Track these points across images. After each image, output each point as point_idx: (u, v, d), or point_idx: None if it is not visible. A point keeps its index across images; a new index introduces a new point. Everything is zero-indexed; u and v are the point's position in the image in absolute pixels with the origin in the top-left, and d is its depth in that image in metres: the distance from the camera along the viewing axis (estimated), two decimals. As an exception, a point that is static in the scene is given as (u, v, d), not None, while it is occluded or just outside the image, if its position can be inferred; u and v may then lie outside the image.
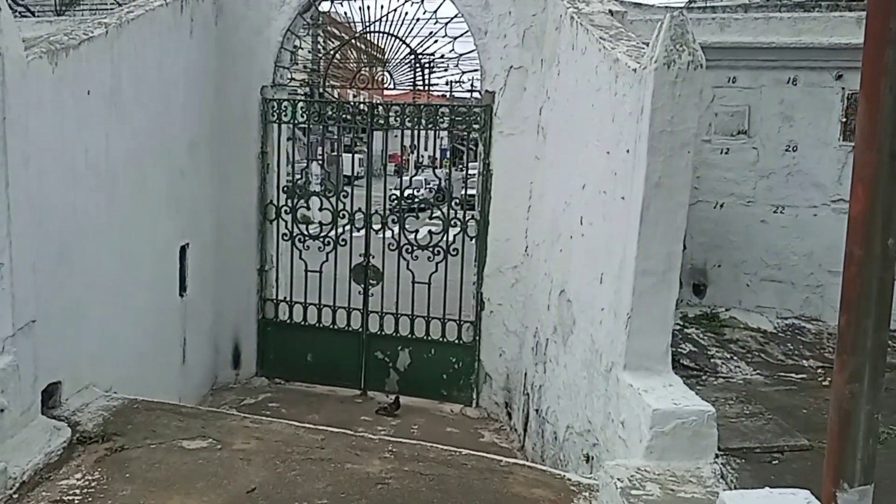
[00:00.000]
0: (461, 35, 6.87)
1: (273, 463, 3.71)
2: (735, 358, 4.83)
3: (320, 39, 7.99)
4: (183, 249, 6.29)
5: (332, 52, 7.36)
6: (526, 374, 6.31)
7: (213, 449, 3.86)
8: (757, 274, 5.95)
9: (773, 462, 3.53)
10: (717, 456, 3.26)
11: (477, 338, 7.05)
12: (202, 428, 4.17)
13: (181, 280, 6.28)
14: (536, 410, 5.74)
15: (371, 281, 7.36)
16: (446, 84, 7.12)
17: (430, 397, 7.29)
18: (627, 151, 3.80)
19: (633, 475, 3.18)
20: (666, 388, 3.53)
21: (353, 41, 7.30)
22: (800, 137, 5.84)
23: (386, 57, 7.17)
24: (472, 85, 7.00)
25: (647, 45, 4.20)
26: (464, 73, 6.95)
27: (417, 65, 7.05)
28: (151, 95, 5.54)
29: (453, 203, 6.96)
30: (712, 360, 4.72)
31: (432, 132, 7.24)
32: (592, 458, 4.13)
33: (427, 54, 7.03)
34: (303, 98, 7.38)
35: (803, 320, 5.66)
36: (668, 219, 3.60)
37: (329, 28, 7.90)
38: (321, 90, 7.87)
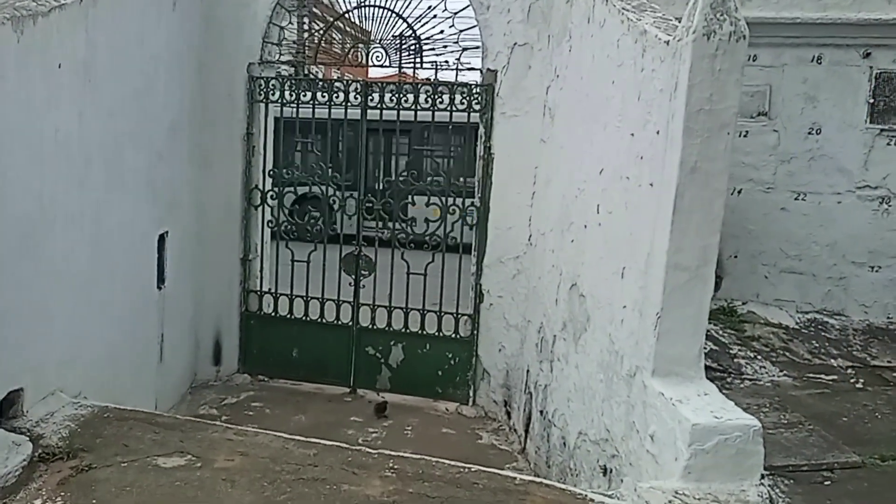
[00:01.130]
0: (461, 10, 6.49)
1: (260, 485, 3.34)
2: (759, 357, 4.53)
3: (306, 19, 7.55)
4: (161, 238, 5.87)
5: (322, 29, 6.94)
6: (528, 371, 5.97)
7: (193, 468, 3.48)
8: (776, 265, 5.63)
9: (826, 483, 3.22)
10: (762, 476, 2.93)
11: (475, 332, 6.70)
12: (180, 442, 3.78)
13: (159, 271, 5.87)
14: (541, 412, 5.40)
15: (362, 272, 6.99)
16: (445, 63, 6.71)
17: (424, 395, 6.94)
18: (658, 133, 3.45)
19: (671, 500, 2.84)
20: (702, 398, 3.20)
21: (346, 16, 6.87)
22: (824, 119, 5.51)
23: (381, 33, 6.76)
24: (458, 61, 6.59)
25: (674, 18, 3.90)
26: (464, 50, 6.55)
27: (414, 41, 6.65)
28: (130, 71, 5.11)
29: (451, 189, 6.59)
30: (735, 360, 4.41)
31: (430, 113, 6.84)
32: (611, 471, 3.80)
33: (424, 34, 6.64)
34: (292, 76, 6.96)
35: (826, 315, 5.36)
36: (704, 208, 3.26)
37: (315, 10, 7.46)
38: (309, 69, 7.47)
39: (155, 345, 5.91)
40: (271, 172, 7.00)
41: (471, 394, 6.79)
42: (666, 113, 3.37)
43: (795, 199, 5.54)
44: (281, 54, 6.87)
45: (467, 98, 6.47)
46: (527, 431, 5.87)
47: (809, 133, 5.50)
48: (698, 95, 3.19)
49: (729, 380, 4.10)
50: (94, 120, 4.51)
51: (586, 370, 4.34)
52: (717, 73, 3.18)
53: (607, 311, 4.02)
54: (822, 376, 4.25)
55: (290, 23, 6.89)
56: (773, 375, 4.22)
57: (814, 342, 4.82)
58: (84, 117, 4.40)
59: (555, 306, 5.13)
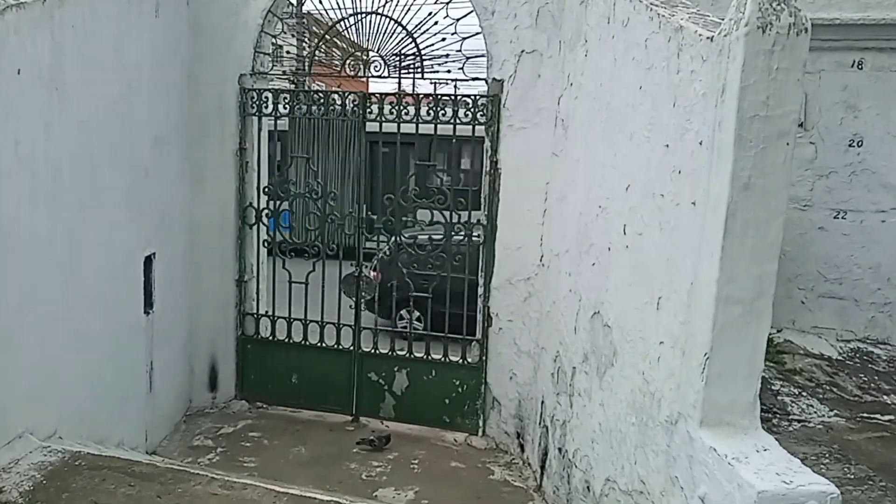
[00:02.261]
0: (464, 17, 5.95)
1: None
2: (804, 394, 3.96)
3: (305, 32, 7.01)
4: (148, 260, 5.33)
5: (317, 40, 6.39)
6: (543, 402, 5.40)
7: (169, 535, 2.93)
8: (814, 289, 5.05)
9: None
10: (843, 555, 2.37)
11: (484, 358, 6.14)
12: (157, 498, 3.22)
13: (146, 295, 5.32)
14: (559, 449, 4.83)
15: (363, 293, 6.43)
16: (448, 73, 6.17)
17: (430, 425, 6.38)
18: (700, 143, 2.90)
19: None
20: (762, 455, 2.63)
21: (342, 25, 6.34)
22: (866, 130, 4.94)
23: (379, 43, 6.22)
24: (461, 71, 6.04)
25: (710, 15, 3.36)
26: (467, 59, 6.01)
27: (414, 51, 6.11)
28: (106, 81, 4.59)
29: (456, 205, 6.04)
30: (779, 398, 3.84)
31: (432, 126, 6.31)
32: (648, 530, 3.23)
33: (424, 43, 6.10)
34: (286, 89, 6.42)
35: (870, 344, 4.80)
36: (759, 230, 2.70)
37: (310, 20, 6.95)
38: (308, 84, 6.95)
39: (143, 373, 5.36)
40: (266, 189, 6.46)
41: (480, 424, 6.22)
42: (711, 120, 2.82)
43: (835, 217, 4.95)
44: (274, 65, 6.33)
45: (472, 110, 5.93)
46: (543, 468, 5.29)
47: (850, 145, 4.92)
48: (752, 99, 2.63)
49: (775, 421, 3.54)
50: (64, 132, 3.98)
51: (613, 410, 3.77)
52: (774, 72, 2.63)
53: (639, 346, 3.45)
54: (878, 416, 3.70)
55: (284, 32, 6.36)
56: (824, 416, 3.66)
57: (861, 375, 4.25)
58: (51, 129, 3.87)
59: (573, 335, 4.57)
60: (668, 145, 3.25)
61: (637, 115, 3.64)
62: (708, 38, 2.91)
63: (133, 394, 5.15)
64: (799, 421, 3.64)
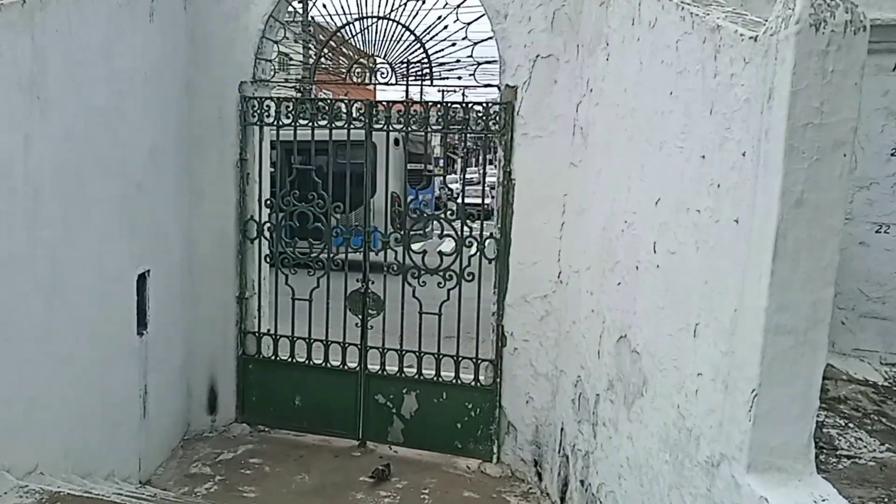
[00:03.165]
0: (475, 20, 5.72)
1: None
2: (852, 425, 3.67)
3: (311, 41, 6.78)
4: (142, 278, 5.10)
5: (321, 46, 6.17)
6: (563, 430, 5.13)
7: None
8: (854, 309, 4.76)
9: None
10: None
11: (498, 380, 5.87)
12: (140, 546, 2.97)
13: (140, 315, 5.09)
14: (582, 482, 4.56)
15: (370, 311, 6.18)
16: (458, 79, 5.93)
17: (441, 450, 6.12)
18: (743, 154, 2.64)
19: None
20: (820, 507, 2.36)
21: (347, 30, 6.11)
22: (910, 138, 4.67)
23: (385, 48, 6.00)
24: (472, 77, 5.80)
25: (749, 14, 3.12)
26: (479, 65, 5.78)
27: (424, 55, 5.88)
28: (95, 89, 4.37)
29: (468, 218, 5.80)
30: (825, 430, 3.56)
31: (441, 135, 6.07)
32: (686, 581, 2.95)
33: (433, 48, 5.86)
34: (289, 97, 6.20)
35: (917, 368, 4.51)
36: (813, 252, 2.44)
37: (315, 31, 6.73)
38: (310, 89, 6.73)
39: (136, 398, 5.12)
40: (268, 202, 6.23)
41: (495, 450, 5.95)
42: (755, 129, 2.56)
43: (877, 231, 4.67)
44: (276, 72, 6.12)
45: (483, 118, 5.69)
46: (563, 499, 5.02)
47: (893, 154, 4.65)
48: (804, 105, 2.38)
49: (822, 458, 3.26)
50: (46, 144, 3.76)
51: (643, 444, 3.51)
52: (829, 75, 2.37)
53: (673, 377, 3.19)
54: (936, 451, 3.42)
55: (287, 38, 6.14)
56: (875, 451, 3.38)
57: (911, 403, 3.98)
58: (31, 141, 3.64)
59: (597, 359, 4.30)
60: (704, 156, 2.99)
61: (667, 122, 3.38)
62: (751, 38, 2.66)
63: (125, 420, 4.91)
64: (848, 457, 3.36)
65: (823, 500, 2.40)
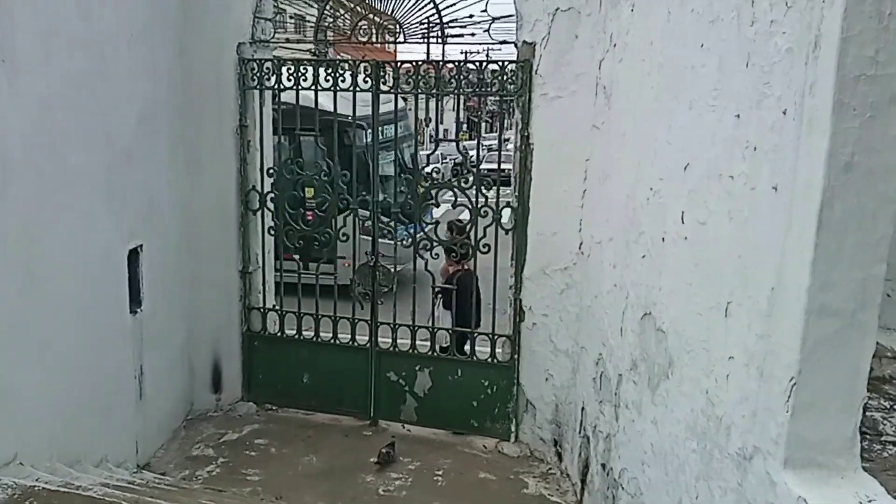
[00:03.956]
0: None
1: None
2: (898, 408, 3.44)
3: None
4: (134, 254, 4.95)
5: (325, 2, 5.91)
6: (584, 409, 4.96)
7: None
8: (901, 280, 4.52)
9: None
10: None
11: (515, 356, 5.70)
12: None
13: (133, 293, 4.95)
14: (603, 465, 4.40)
15: (381, 285, 6.02)
16: (472, 35, 5.66)
17: (457, 429, 5.99)
18: (784, 113, 2.41)
19: None
20: (867, 509, 2.16)
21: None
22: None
23: (393, 3, 5.73)
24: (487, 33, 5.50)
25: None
26: (494, 19, 5.51)
27: (435, 11, 5.60)
28: (73, 53, 4.16)
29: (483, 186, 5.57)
30: (869, 414, 3.33)
31: (454, 97, 5.83)
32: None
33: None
34: (290, 58, 5.97)
35: (969, 343, 4.26)
36: (864, 223, 2.21)
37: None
38: (325, 52, 6.50)
39: (131, 380, 5.01)
40: (271, 171, 6.04)
41: (512, 429, 5.81)
42: (799, 83, 2.32)
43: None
44: (276, 31, 5.89)
45: (499, 78, 5.44)
46: (584, 482, 4.86)
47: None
48: (857, 54, 2.14)
49: (865, 444, 3.04)
50: (15, 113, 3.58)
51: (669, 430, 3.32)
52: (886, 18, 2.12)
53: (702, 359, 2.98)
54: None
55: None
56: (925, 437, 3.16)
57: (963, 382, 3.75)
58: (-1, 109, 3.45)
59: (619, 337, 4.11)
60: (739, 115, 2.75)
61: (698, 78, 3.14)
62: (794, -22, 2.40)
63: (118, 403, 4.80)
64: (894, 444, 3.16)
65: (870, 501, 2.21)
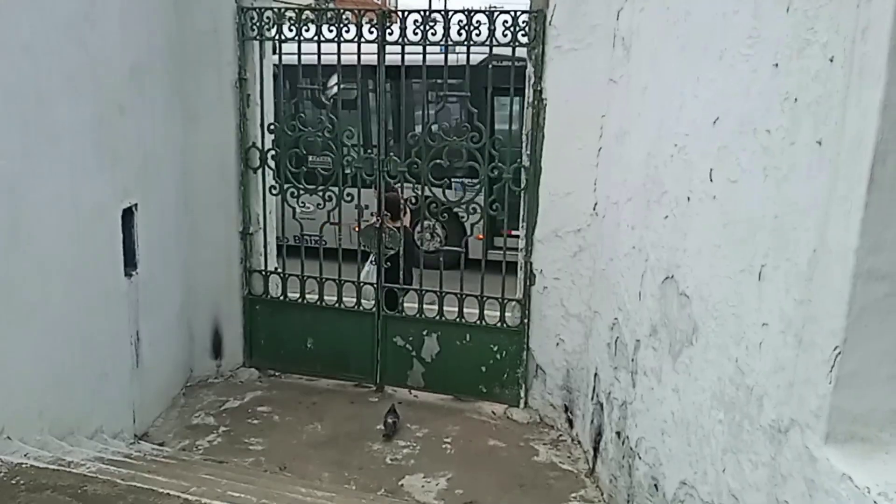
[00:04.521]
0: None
1: None
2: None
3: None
4: (128, 213, 4.81)
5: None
6: (597, 375, 4.87)
7: None
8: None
9: None
10: None
11: (525, 321, 5.59)
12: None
13: (127, 255, 4.81)
14: (618, 434, 4.31)
15: (387, 248, 5.89)
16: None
17: (465, 395, 5.92)
18: (831, 60, 2.24)
19: None
20: (916, 486, 2.05)
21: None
22: None
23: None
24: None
25: None
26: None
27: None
28: (57, -2, 3.96)
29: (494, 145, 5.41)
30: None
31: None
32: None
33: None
34: (291, 5, 5.76)
35: None
36: (918, 180, 2.06)
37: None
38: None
39: (126, 346, 4.90)
40: (271, 127, 5.87)
41: (522, 395, 5.73)
42: (848, 27, 2.16)
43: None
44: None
45: (511, 30, 5.24)
46: (596, 450, 4.79)
47: None
48: (918, -7, 1.97)
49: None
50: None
51: (692, 399, 3.21)
52: (949, -46, 1.95)
53: (730, 325, 2.86)
54: None
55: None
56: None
57: None
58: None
59: (637, 301, 3.99)
60: (777, 65, 2.59)
61: (730, 26, 2.97)
62: None
63: (114, 371, 4.69)
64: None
65: (919, 478, 2.10)
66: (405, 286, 6.14)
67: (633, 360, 4.06)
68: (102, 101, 4.39)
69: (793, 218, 2.44)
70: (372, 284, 5.95)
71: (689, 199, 3.30)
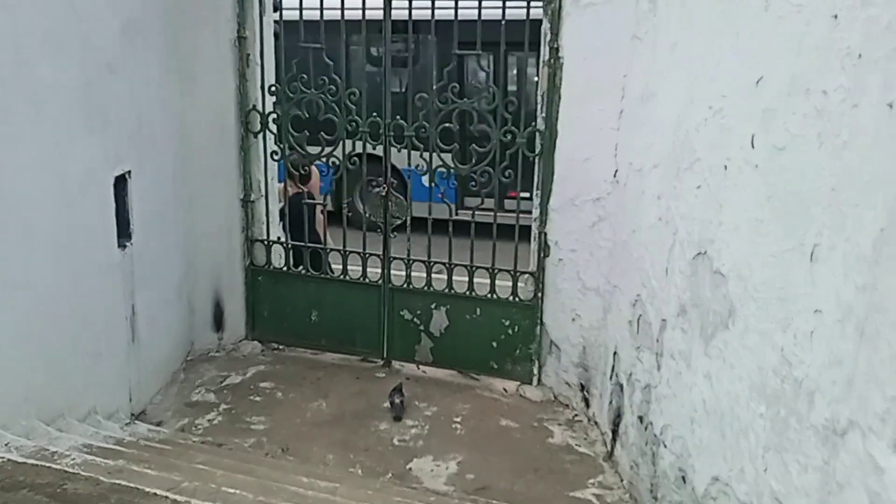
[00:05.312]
0: None
1: None
2: None
3: None
4: (121, 181, 4.52)
5: None
6: (616, 354, 4.59)
7: None
8: None
9: None
10: None
11: (539, 294, 5.31)
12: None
13: (121, 225, 4.54)
14: (640, 418, 4.05)
15: (393, 216, 5.59)
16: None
17: (475, 371, 5.66)
18: (910, 8, 1.91)
19: None
20: None
21: None
22: None
23: None
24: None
25: None
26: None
27: None
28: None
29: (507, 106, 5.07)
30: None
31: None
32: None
33: None
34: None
35: None
36: None
37: None
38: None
39: (121, 321, 4.64)
40: (272, 89, 5.55)
41: (535, 371, 5.46)
42: (931, -32, 1.83)
43: None
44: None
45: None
46: (615, 433, 4.53)
47: None
48: None
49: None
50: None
51: (727, 388, 2.93)
52: None
53: (775, 311, 2.56)
54: None
55: None
56: None
57: None
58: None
59: (664, 278, 3.69)
60: (836, 16, 2.26)
61: (778, -28, 2.62)
62: None
63: (108, 348, 4.44)
64: None
65: None
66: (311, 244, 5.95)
67: (658, 340, 3.77)
68: (90, 60, 4.08)
69: (854, 192, 2.12)
70: (375, 255, 5.66)
71: (725, 167, 2.98)
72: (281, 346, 6.09)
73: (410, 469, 4.51)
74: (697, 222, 3.27)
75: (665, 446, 3.64)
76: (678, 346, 3.47)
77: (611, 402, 4.67)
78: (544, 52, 4.94)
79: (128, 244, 4.62)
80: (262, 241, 5.87)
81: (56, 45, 3.75)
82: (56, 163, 3.80)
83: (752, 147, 2.76)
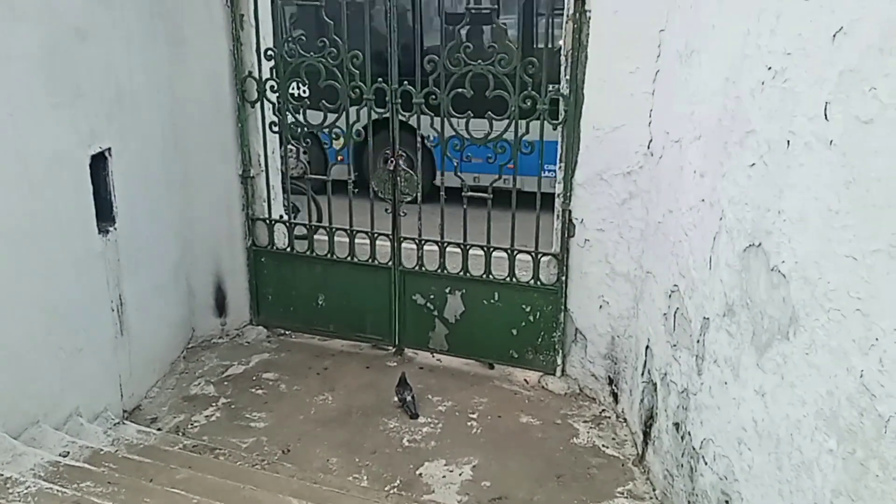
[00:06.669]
0: None
1: None
2: None
3: None
4: (100, 159, 4.06)
5: None
6: (649, 348, 4.08)
7: None
8: None
9: None
10: None
11: (563, 278, 4.79)
12: None
13: (102, 208, 4.09)
14: (676, 426, 3.54)
15: (403, 193, 5.09)
16: None
17: (494, 361, 5.20)
18: None
19: None
20: None
21: None
22: None
23: None
24: None
25: None
26: None
27: None
28: None
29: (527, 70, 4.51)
30: None
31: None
32: None
33: None
34: None
35: None
36: None
37: None
38: None
39: (106, 313, 4.22)
40: (269, 53, 5.03)
41: (559, 361, 4.97)
42: None
43: None
44: None
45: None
46: (647, 434, 4.04)
47: None
48: None
49: None
50: None
51: (784, 410, 2.41)
52: None
53: (853, 325, 2.03)
54: None
55: None
56: None
57: None
58: None
59: (706, 269, 3.15)
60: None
61: None
62: None
63: (91, 343, 4.02)
64: None
65: None
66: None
67: (698, 341, 3.24)
68: (55, 24, 3.59)
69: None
70: (384, 234, 5.17)
71: (789, 142, 2.42)
72: (287, 332, 5.68)
73: (420, 475, 4.06)
74: (750, 208, 2.72)
75: (704, 462, 3.13)
76: (724, 352, 2.95)
77: (642, 401, 4.17)
78: (568, 5, 4.36)
79: (111, 229, 4.18)
80: (263, 220, 5.42)
81: (9, 8, 3.26)
82: (14, 143, 3.33)
83: (826, 119, 2.19)
